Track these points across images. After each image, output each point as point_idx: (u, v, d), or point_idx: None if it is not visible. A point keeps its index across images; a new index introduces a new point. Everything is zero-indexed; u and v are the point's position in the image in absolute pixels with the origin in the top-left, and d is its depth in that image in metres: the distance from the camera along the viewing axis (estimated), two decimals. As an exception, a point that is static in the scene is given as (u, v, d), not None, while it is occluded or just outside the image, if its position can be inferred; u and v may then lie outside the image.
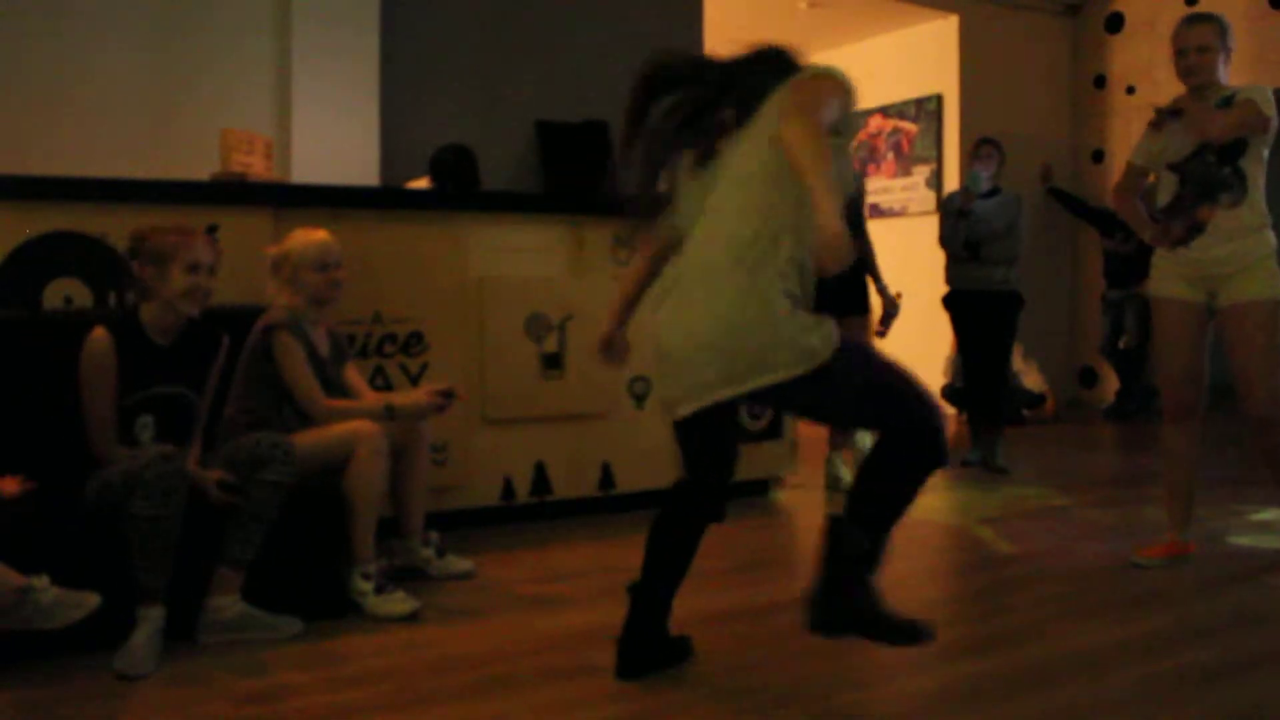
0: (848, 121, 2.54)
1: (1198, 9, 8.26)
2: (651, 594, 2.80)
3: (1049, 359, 8.56)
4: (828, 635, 2.50)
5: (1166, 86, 8.74)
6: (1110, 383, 8.88)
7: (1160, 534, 4.00)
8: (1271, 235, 3.72)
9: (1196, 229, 3.71)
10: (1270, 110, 3.57)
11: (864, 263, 5.44)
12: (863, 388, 2.48)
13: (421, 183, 5.09)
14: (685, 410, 2.59)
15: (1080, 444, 7.24)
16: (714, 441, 2.81)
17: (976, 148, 6.28)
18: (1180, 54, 3.82)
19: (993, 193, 6.04)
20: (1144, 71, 8.95)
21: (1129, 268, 8.34)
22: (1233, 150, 3.67)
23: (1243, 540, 4.26)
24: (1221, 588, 3.62)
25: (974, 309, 6.08)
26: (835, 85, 2.46)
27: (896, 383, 2.50)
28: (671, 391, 2.62)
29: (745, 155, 2.52)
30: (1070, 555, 4.03)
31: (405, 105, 5.91)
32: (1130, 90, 9.07)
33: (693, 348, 2.49)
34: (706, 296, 2.48)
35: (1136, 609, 3.39)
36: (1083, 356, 9.32)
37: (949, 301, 6.21)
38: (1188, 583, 3.66)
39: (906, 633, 2.48)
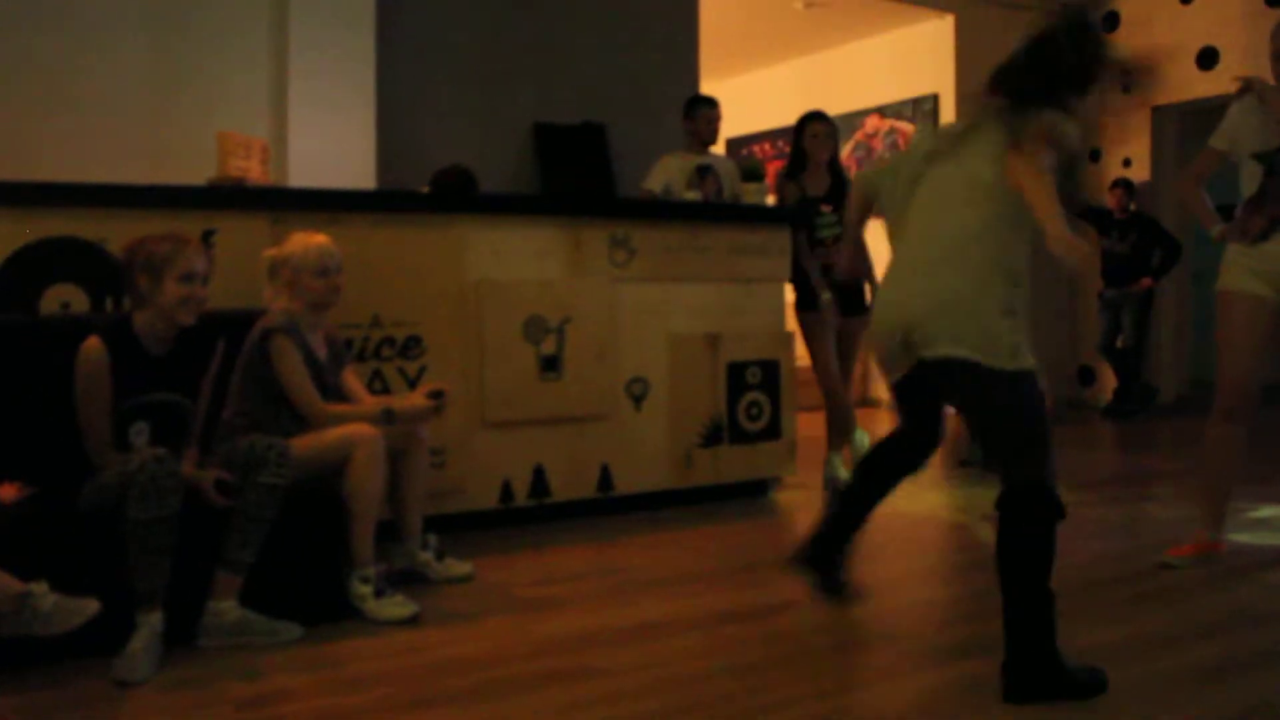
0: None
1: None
2: (845, 518, 3.28)
3: (1047, 359, 8.56)
4: (1024, 703, 2.59)
5: (1164, 83, 8.75)
6: (1108, 382, 8.88)
7: (1183, 533, 4.00)
8: None
9: (1275, 225, 3.63)
10: None
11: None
12: (1018, 419, 2.72)
13: None
14: (895, 374, 2.94)
15: (1079, 443, 7.23)
16: (923, 401, 3.09)
17: None
18: (1274, 58, 3.70)
19: None
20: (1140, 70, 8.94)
21: (1126, 267, 8.34)
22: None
23: (1241, 538, 4.26)
24: (1221, 586, 3.62)
25: None
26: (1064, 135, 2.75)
27: (1043, 437, 2.75)
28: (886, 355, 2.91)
29: (982, 160, 2.77)
30: (1071, 554, 4.01)
31: (402, 108, 5.90)
32: (1125, 89, 9.07)
33: (914, 313, 2.74)
34: (930, 271, 2.74)
35: (1137, 607, 3.39)
36: (1080, 356, 9.32)
37: None
38: (1187, 581, 3.65)
39: (1093, 684, 2.65)
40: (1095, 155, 9.30)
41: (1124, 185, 8.45)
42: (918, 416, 3.15)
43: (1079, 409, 8.95)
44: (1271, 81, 3.71)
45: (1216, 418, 3.86)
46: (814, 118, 5.42)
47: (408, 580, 3.53)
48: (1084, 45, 2.97)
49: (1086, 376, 9.31)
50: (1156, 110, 8.93)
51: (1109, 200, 8.55)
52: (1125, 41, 9.04)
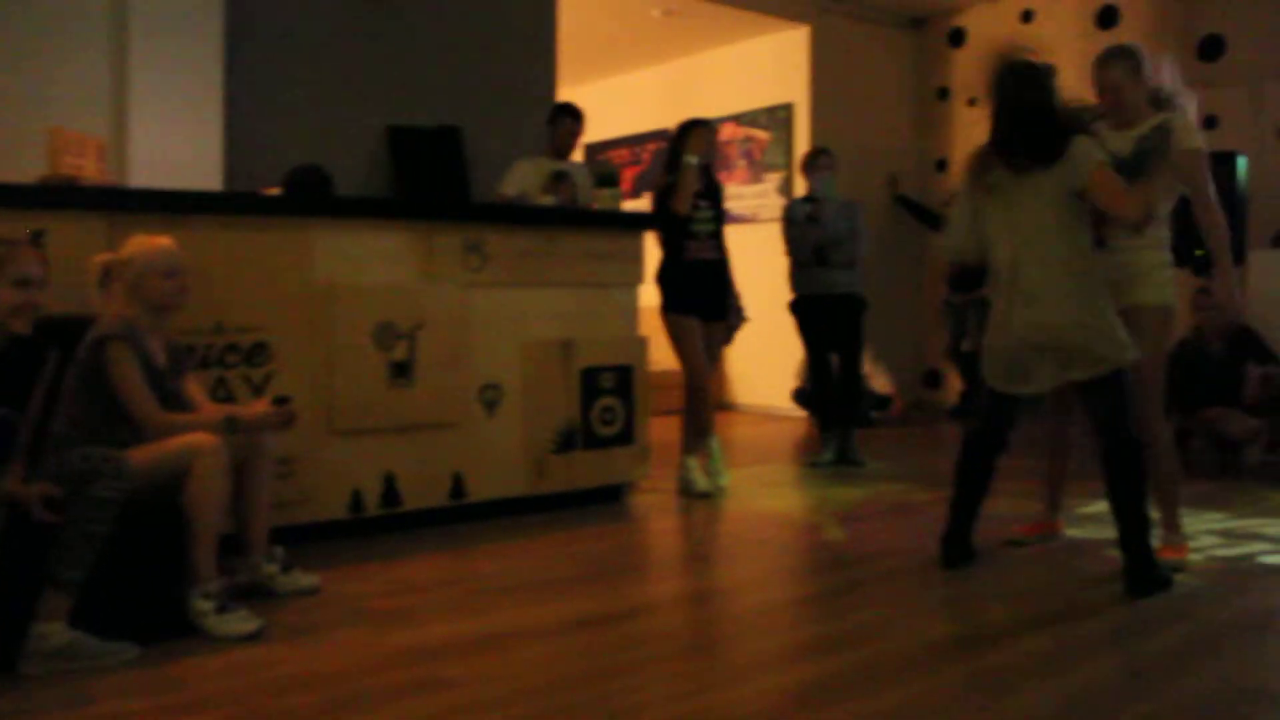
0: None
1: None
2: (965, 507, 3.94)
3: (895, 362, 8.79)
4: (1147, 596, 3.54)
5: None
6: (954, 384, 9.16)
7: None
8: (1168, 253, 3.99)
9: (1099, 243, 3.88)
10: (1198, 143, 3.90)
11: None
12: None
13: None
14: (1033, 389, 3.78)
15: (929, 444, 7.46)
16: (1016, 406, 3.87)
17: (815, 157, 6.47)
18: (1099, 93, 4.08)
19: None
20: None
21: (971, 273, 8.61)
22: (1143, 168, 3.84)
23: (1074, 532, 4.45)
24: (1054, 581, 3.77)
25: (823, 313, 6.28)
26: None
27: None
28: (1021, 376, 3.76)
29: (1056, 195, 3.64)
30: (922, 551, 4.14)
31: (252, 108, 5.73)
32: (972, 102, 9.37)
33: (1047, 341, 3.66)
34: (1057, 300, 3.62)
35: (977, 603, 3.51)
36: (927, 359, 9.60)
37: (797, 307, 6.39)
38: (1021, 579, 3.80)
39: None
40: (942, 165, 9.60)
41: (967, 195, 8.71)
42: (1011, 416, 3.87)
43: (926, 411, 9.21)
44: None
45: (1051, 410, 4.26)
46: (704, 123, 5.53)
47: (252, 594, 3.43)
48: (1040, 79, 3.74)
49: (933, 379, 9.59)
50: (998, 123, 9.24)
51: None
52: (971, 56, 9.35)
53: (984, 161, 3.78)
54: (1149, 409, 3.90)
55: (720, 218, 5.55)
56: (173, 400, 3.34)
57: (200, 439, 3.16)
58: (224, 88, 5.52)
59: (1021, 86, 3.70)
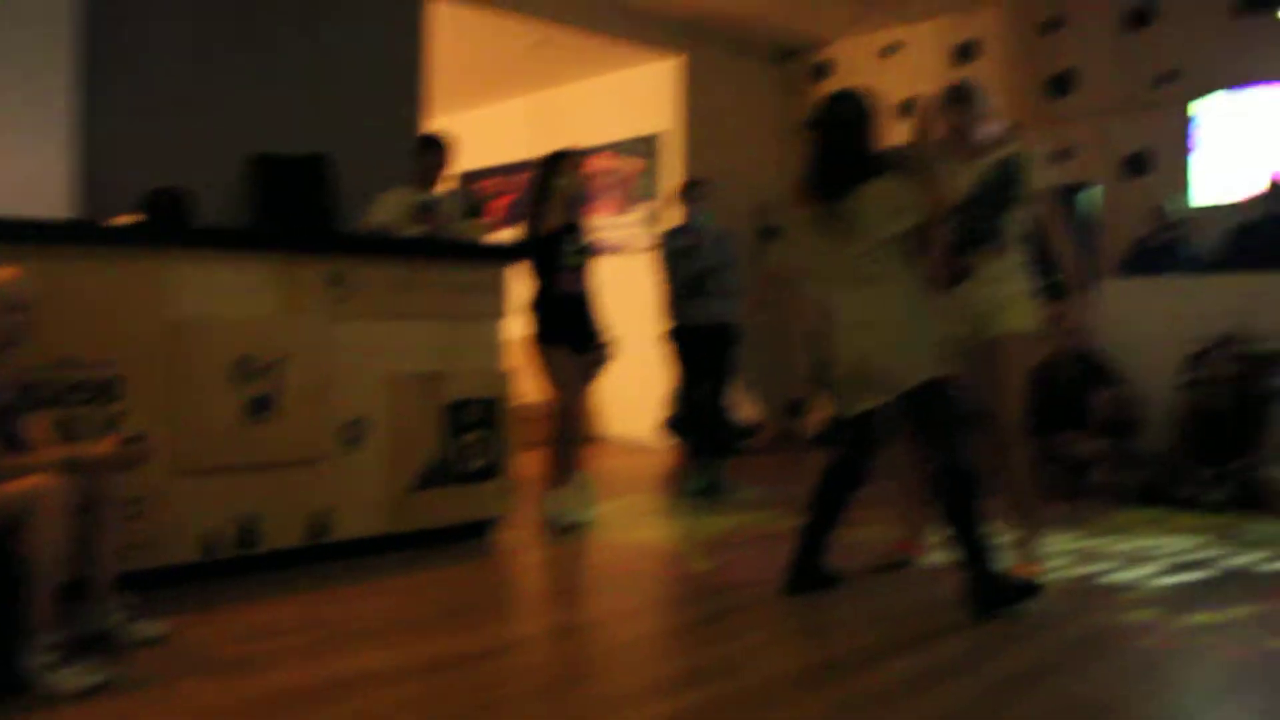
0: None
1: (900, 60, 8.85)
2: (816, 535, 3.95)
3: (762, 390, 8.89)
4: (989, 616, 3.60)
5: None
6: (819, 412, 9.28)
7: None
8: (1027, 279, 4.19)
9: (965, 273, 4.11)
10: (1050, 180, 4.22)
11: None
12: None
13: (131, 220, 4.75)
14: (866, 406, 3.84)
15: (796, 471, 7.53)
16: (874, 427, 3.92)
17: (693, 188, 6.53)
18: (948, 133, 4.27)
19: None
20: (849, 117, 9.46)
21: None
22: (998, 205, 4.14)
23: (939, 557, 4.53)
24: (915, 605, 3.84)
25: (700, 342, 6.35)
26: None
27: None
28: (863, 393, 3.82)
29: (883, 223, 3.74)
30: (777, 582, 4.18)
31: (107, 134, 5.53)
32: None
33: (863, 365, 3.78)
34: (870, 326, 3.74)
35: (842, 629, 3.56)
36: (792, 388, 9.72)
37: (675, 336, 6.44)
38: (882, 604, 3.86)
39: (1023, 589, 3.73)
40: (809, 196, 9.76)
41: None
42: (867, 444, 3.95)
43: (790, 440, 9.32)
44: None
45: (909, 439, 4.26)
46: (571, 154, 5.53)
47: (96, 645, 3.28)
48: (861, 108, 3.90)
49: (796, 408, 9.72)
50: (863, 155, 9.47)
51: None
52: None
53: (803, 190, 3.89)
54: (1011, 431, 4.11)
55: (586, 252, 5.56)
56: (12, 440, 3.20)
57: (40, 481, 3.02)
58: (75, 114, 5.33)
59: (841, 114, 3.85)
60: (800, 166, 3.92)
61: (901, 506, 4.53)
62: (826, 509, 3.97)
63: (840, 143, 3.81)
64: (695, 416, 6.57)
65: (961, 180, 4.14)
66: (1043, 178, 4.13)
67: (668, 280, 6.44)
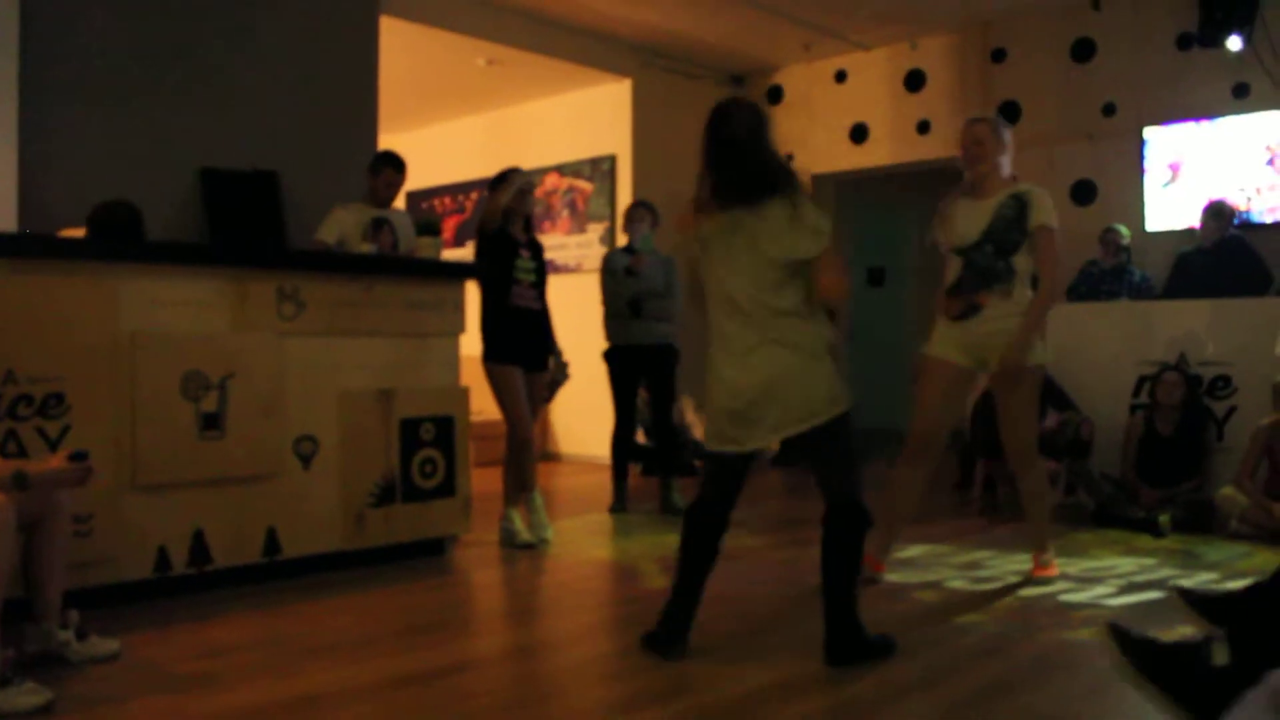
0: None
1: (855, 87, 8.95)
2: (688, 590, 3.46)
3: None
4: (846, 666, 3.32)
5: (823, 154, 9.39)
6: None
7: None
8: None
9: (973, 309, 4.26)
10: (1052, 220, 4.23)
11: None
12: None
13: (77, 234, 4.68)
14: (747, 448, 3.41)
15: (751, 491, 7.52)
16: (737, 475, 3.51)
17: (634, 210, 6.57)
18: (963, 147, 4.36)
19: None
20: (801, 140, 9.55)
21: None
22: (1008, 245, 4.24)
23: (892, 576, 4.56)
24: (871, 625, 3.83)
25: (636, 363, 6.36)
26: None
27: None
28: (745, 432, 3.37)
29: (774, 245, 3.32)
30: (744, 597, 4.17)
31: (52, 147, 5.44)
32: (789, 157, 9.57)
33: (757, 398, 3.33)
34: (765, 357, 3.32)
35: (797, 650, 3.53)
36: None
37: (611, 356, 6.45)
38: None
39: (886, 647, 3.44)
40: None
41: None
42: (733, 487, 3.52)
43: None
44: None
45: (902, 461, 4.45)
46: (518, 171, 5.53)
47: (44, 664, 3.21)
48: (756, 115, 3.45)
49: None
50: (815, 178, 9.56)
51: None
52: (789, 114, 9.65)
53: (695, 209, 3.46)
54: (1025, 457, 4.38)
55: (542, 270, 5.56)
56: (-44, 456, 3.12)
57: (-14, 497, 2.96)
58: (17, 125, 5.23)
59: (733, 121, 3.39)
60: (699, 179, 3.46)
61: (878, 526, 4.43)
62: (696, 561, 3.48)
63: (744, 152, 3.37)
64: (626, 437, 6.57)
65: (975, 217, 4.29)
66: (1046, 215, 4.23)
67: (606, 300, 6.47)
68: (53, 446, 3.81)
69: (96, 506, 3.90)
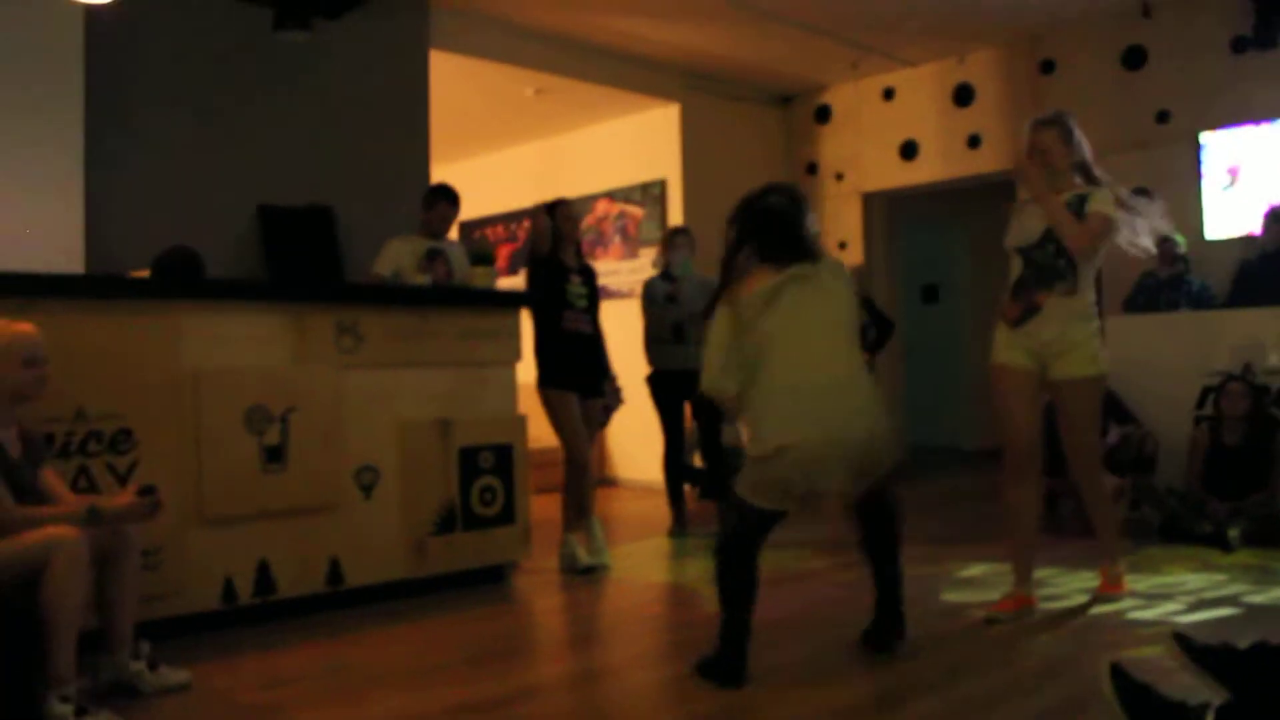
0: None
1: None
2: (741, 621, 3.43)
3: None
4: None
5: (873, 171, 9.38)
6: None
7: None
8: (1096, 321, 4.20)
9: (1032, 310, 4.16)
10: (1113, 212, 4.10)
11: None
12: None
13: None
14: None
15: (804, 516, 7.50)
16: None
17: (674, 236, 6.60)
18: (1029, 153, 4.23)
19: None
20: (850, 159, 9.55)
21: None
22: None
23: (952, 596, 4.51)
24: (937, 643, 3.81)
25: (680, 387, 6.38)
26: None
27: None
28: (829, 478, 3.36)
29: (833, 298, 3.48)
30: (808, 618, 4.16)
31: (115, 188, 5.57)
32: (839, 177, 9.65)
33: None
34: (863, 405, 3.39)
35: (866, 670, 3.52)
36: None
37: (654, 381, 6.49)
38: (904, 644, 3.83)
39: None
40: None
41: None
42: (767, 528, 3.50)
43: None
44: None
45: (1009, 481, 4.28)
46: (564, 202, 5.64)
47: (116, 694, 3.27)
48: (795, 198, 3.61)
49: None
50: (866, 196, 9.54)
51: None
52: (837, 133, 9.65)
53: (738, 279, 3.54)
54: (1087, 467, 4.28)
55: (594, 295, 5.61)
56: (29, 492, 3.21)
57: (59, 532, 3.03)
58: (85, 168, 5.37)
59: (789, 197, 3.59)
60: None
61: (1016, 557, 4.31)
62: (751, 591, 3.47)
63: (792, 222, 3.53)
64: (676, 461, 6.60)
65: (1038, 215, 4.20)
66: (1106, 205, 4.10)
67: (649, 327, 6.50)
68: (122, 482, 3.90)
69: (165, 540, 3.97)
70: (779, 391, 3.37)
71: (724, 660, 3.39)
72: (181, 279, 4.48)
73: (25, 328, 3.23)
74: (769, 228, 3.53)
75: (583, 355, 5.53)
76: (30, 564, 2.98)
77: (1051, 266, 4.16)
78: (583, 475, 5.44)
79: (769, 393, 3.39)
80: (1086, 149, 4.25)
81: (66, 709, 2.94)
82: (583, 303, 5.52)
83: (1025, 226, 4.26)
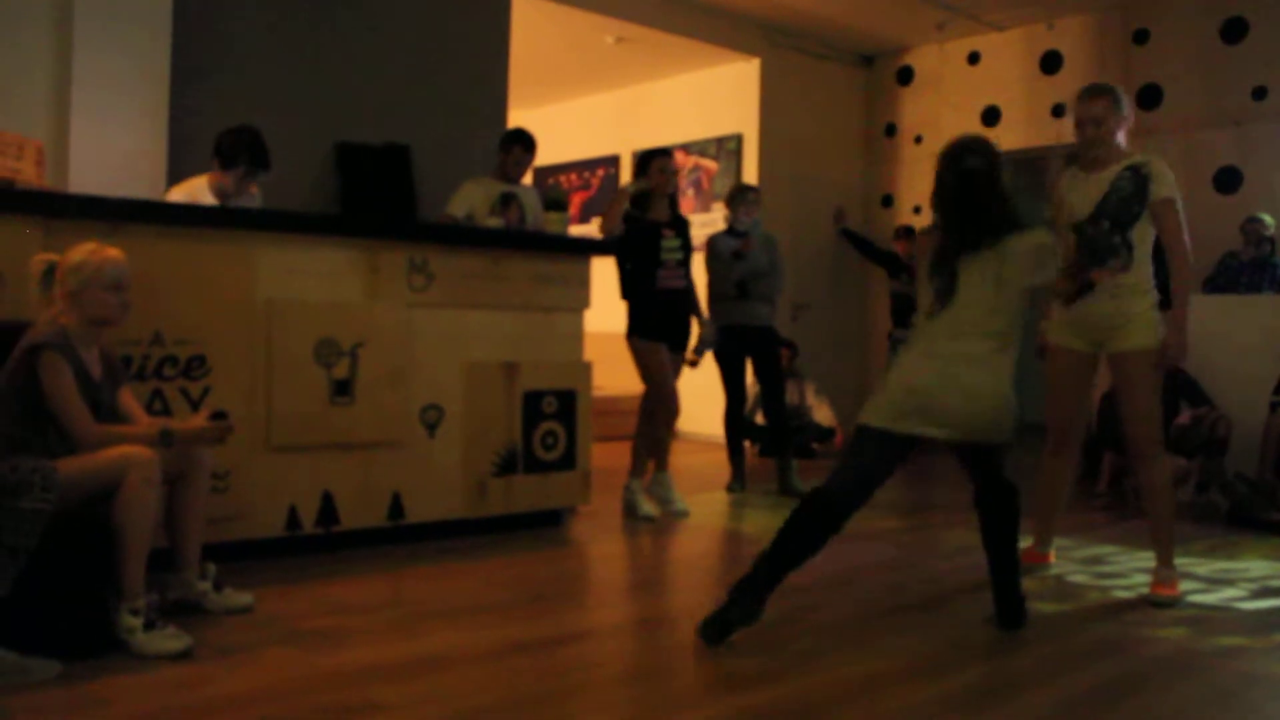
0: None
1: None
2: (773, 580, 3.35)
3: (838, 395, 8.84)
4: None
5: (952, 137, 9.21)
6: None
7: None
8: (1154, 294, 4.10)
9: (1086, 288, 4.11)
10: (1174, 190, 4.03)
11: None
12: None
13: (200, 181, 4.80)
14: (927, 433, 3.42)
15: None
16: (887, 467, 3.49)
17: (744, 193, 6.54)
18: (1079, 126, 4.16)
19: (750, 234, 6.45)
20: (930, 122, 9.40)
21: (913, 308, 8.70)
22: (1125, 219, 4.05)
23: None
24: (976, 615, 3.79)
25: (742, 344, 6.36)
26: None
27: None
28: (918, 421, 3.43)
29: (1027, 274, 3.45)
30: (865, 579, 4.15)
31: (197, 119, 5.63)
32: (918, 140, 9.51)
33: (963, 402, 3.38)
34: (975, 369, 3.41)
35: (913, 637, 3.50)
36: (870, 392, 9.66)
37: (719, 337, 6.49)
38: (951, 616, 3.81)
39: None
40: (888, 201, 9.71)
41: (912, 232, 8.85)
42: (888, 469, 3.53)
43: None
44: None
45: (1047, 453, 4.41)
46: (663, 153, 5.64)
47: (183, 611, 3.36)
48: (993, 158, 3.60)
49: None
50: (943, 161, 9.38)
51: (898, 246, 8.92)
52: (918, 95, 9.49)
53: (937, 246, 3.67)
54: (1145, 446, 4.08)
55: (687, 247, 5.61)
56: (107, 412, 3.28)
57: (134, 452, 3.10)
58: (170, 95, 5.43)
59: (981, 163, 3.59)
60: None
61: (1038, 517, 4.54)
62: (805, 552, 3.38)
63: (981, 193, 3.54)
64: (737, 417, 6.60)
65: (1088, 190, 4.12)
66: (1168, 188, 4.02)
67: (713, 283, 6.47)
68: (194, 406, 3.97)
69: (234, 464, 4.05)
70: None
71: (725, 613, 3.29)
72: (249, 155, 4.58)
73: (114, 253, 3.28)
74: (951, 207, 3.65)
75: (675, 310, 5.57)
76: (106, 481, 3.05)
77: (1106, 244, 4.08)
78: (663, 424, 5.51)
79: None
80: (1132, 119, 4.20)
81: (136, 621, 3.03)
82: (677, 255, 5.53)
83: (1072, 202, 4.18)
